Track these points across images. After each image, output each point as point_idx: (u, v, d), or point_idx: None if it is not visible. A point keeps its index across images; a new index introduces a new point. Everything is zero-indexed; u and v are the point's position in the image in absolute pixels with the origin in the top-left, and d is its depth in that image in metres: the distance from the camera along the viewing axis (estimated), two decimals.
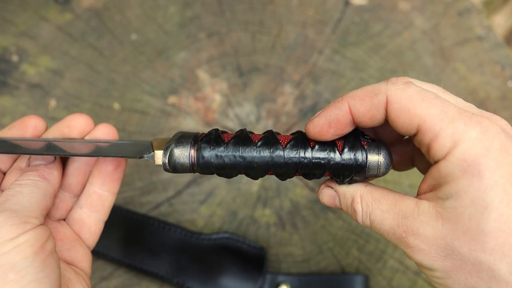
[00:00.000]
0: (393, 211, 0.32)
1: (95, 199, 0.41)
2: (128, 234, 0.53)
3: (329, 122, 0.35)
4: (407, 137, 0.40)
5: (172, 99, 0.63)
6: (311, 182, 0.59)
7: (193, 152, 0.36)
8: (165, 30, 0.68)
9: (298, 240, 0.56)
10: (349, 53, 0.68)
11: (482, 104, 0.65)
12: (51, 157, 0.38)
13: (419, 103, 0.31)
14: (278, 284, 0.52)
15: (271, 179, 0.59)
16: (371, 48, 0.69)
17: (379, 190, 0.34)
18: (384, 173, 0.36)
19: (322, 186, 0.38)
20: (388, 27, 0.70)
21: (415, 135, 0.32)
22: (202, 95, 0.63)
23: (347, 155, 0.35)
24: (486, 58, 0.69)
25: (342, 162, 0.35)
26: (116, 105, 0.62)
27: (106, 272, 0.53)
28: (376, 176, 0.35)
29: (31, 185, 0.35)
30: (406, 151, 0.40)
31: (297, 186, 0.59)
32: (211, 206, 0.57)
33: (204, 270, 0.52)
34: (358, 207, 0.34)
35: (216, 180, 0.58)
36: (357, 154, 0.34)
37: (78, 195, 0.42)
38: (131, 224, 0.54)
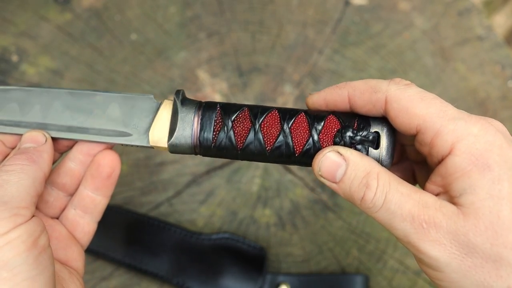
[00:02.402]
0: (413, 197, 0.30)
1: (88, 202, 0.40)
2: (128, 234, 0.53)
3: (326, 103, 0.36)
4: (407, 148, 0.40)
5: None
6: (311, 182, 0.59)
7: (197, 149, 0.36)
8: (165, 30, 0.67)
9: (298, 240, 0.56)
10: (349, 53, 0.68)
11: (482, 104, 0.65)
12: (42, 139, 0.37)
13: (418, 103, 0.31)
14: (278, 284, 0.52)
15: (271, 179, 0.59)
16: (371, 48, 0.69)
17: (395, 175, 0.32)
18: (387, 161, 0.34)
19: (328, 149, 0.33)
20: (388, 27, 0.70)
21: (415, 135, 0.32)
22: (202, 95, 0.63)
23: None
24: (486, 58, 0.69)
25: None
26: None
27: (106, 272, 0.53)
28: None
29: (18, 171, 0.33)
30: (406, 168, 0.40)
31: (297, 186, 0.59)
32: (211, 206, 0.57)
33: (204, 270, 0.52)
34: (373, 182, 0.31)
35: (216, 180, 0.58)
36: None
37: (72, 194, 0.41)
38: (131, 224, 0.54)
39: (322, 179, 0.33)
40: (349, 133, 0.34)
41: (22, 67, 0.63)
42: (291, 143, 0.35)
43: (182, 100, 0.37)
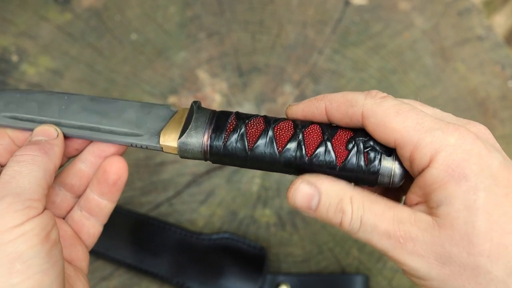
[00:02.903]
0: (387, 215, 0.31)
1: (93, 206, 0.40)
2: (128, 234, 0.53)
3: (304, 116, 0.36)
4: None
5: (172, 99, 0.63)
6: None
7: (206, 149, 0.36)
8: (165, 30, 0.68)
9: (298, 240, 0.56)
10: (349, 53, 0.68)
11: (482, 104, 0.65)
12: (53, 133, 0.37)
13: (394, 117, 0.31)
14: (278, 284, 0.52)
15: (271, 179, 0.59)
16: (371, 48, 0.69)
17: (369, 194, 0.32)
18: (398, 184, 0.34)
19: (299, 182, 0.34)
20: (388, 27, 0.70)
21: (396, 149, 0.32)
22: (202, 95, 0.63)
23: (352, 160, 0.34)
24: (486, 58, 0.69)
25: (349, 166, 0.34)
26: None
27: (106, 272, 0.53)
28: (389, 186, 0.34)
29: (30, 162, 0.33)
30: (393, 195, 0.41)
31: None
32: (211, 206, 0.57)
33: (204, 270, 0.52)
34: (348, 208, 0.31)
35: (216, 180, 0.58)
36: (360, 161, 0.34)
37: (79, 196, 0.41)
38: (131, 224, 0.54)
39: (294, 206, 0.34)
40: (362, 139, 0.34)
41: (22, 67, 0.63)
42: (303, 145, 0.34)
43: (199, 106, 0.38)
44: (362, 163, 0.33)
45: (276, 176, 0.59)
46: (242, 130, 0.35)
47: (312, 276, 0.53)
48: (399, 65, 0.68)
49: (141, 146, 0.38)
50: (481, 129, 0.32)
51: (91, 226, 0.40)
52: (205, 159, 0.37)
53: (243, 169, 0.59)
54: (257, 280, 0.51)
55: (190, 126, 0.36)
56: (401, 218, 0.31)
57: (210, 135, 0.36)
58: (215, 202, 0.57)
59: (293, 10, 0.71)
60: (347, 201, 0.32)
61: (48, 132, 0.37)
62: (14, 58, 0.64)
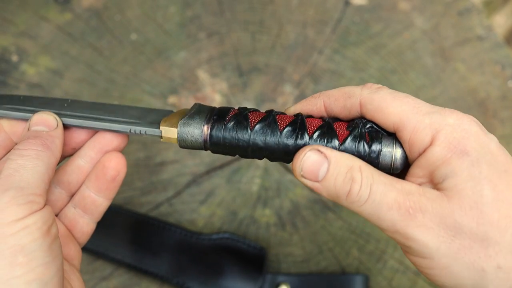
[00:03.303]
0: (396, 186, 0.31)
1: (89, 203, 0.39)
2: (128, 234, 0.53)
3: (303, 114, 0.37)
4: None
5: (172, 99, 0.63)
6: None
7: (206, 133, 0.35)
8: (165, 30, 0.67)
9: (298, 240, 0.56)
10: (349, 53, 0.68)
11: (482, 104, 0.65)
12: (53, 122, 0.36)
13: (391, 102, 0.32)
14: (278, 284, 0.52)
15: (271, 179, 0.59)
16: (371, 48, 0.69)
17: (375, 168, 0.33)
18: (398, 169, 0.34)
19: (307, 149, 0.33)
20: (388, 27, 0.70)
21: (395, 133, 0.33)
22: (202, 95, 0.63)
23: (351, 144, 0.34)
24: (486, 58, 0.69)
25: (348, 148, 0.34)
26: None
27: (106, 272, 0.53)
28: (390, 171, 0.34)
29: (34, 157, 0.33)
30: None
31: (297, 186, 0.59)
32: (211, 206, 0.57)
33: (204, 270, 0.52)
34: (358, 175, 0.31)
35: (216, 180, 0.58)
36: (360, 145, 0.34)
37: (73, 193, 0.40)
38: (131, 224, 0.54)
39: (303, 180, 0.33)
40: (362, 121, 0.34)
41: (22, 67, 0.63)
42: (304, 125, 0.34)
43: (201, 105, 0.38)
44: (363, 143, 0.33)
45: (276, 176, 0.59)
46: (245, 113, 0.36)
47: (312, 276, 0.53)
48: (399, 65, 0.68)
49: (140, 132, 0.37)
50: (472, 117, 0.33)
51: (84, 224, 0.40)
52: (205, 148, 0.36)
53: (243, 169, 0.59)
54: (257, 280, 0.51)
55: (190, 114, 0.36)
56: (410, 190, 0.31)
57: (211, 123, 0.35)
58: (215, 202, 0.57)
59: (293, 10, 0.71)
60: (356, 169, 0.31)
61: (47, 121, 0.36)
62: (14, 58, 0.64)
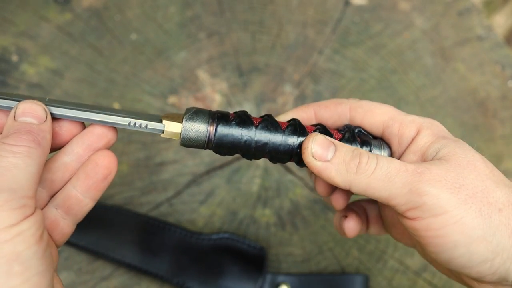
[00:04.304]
0: (397, 160, 0.35)
1: (73, 204, 0.36)
2: (128, 234, 0.53)
3: None
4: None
5: (172, 99, 0.63)
6: (311, 182, 0.59)
7: (212, 129, 0.35)
8: (165, 30, 0.67)
9: (298, 240, 0.56)
10: (349, 53, 0.68)
11: (482, 104, 0.65)
12: (42, 114, 0.33)
13: (378, 106, 0.39)
14: (278, 284, 0.52)
15: (271, 179, 0.59)
16: (371, 48, 0.69)
17: None
18: None
19: (314, 134, 0.36)
20: (388, 27, 0.70)
21: (382, 132, 0.38)
22: (202, 95, 0.63)
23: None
24: (486, 58, 0.69)
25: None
26: (116, 105, 0.62)
27: (106, 272, 0.53)
28: None
29: (26, 155, 0.31)
30: (375, 212, 0.44)
31: (297, 186, 0.59)
32: (211, 206, 0.57)
33: (204, 270, 0.52)
34: (363, 152, 0.35)
35: (216, 180, 0.58)
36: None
37: (54, 193, 0.37)
38: (131, 224, 0.54)
39: (313, 162, 0.35)
40: (351, 126, 0.39)
41: (22, 67, 0.63)
42: (302, 125, 0.37)
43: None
44: (356, 143, 0.37)
45: (276, 176, 0.59)
46: (246, 115, 0.37)
47: (312, 276, 0.53)
48: (399, 65, 0.68)
49: (140, 125, 0.35)
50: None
51: (65, 226, 0.37)
52: (207, 144, 0.36)
53: (243, 169, 0.59)
54: (257, 280, 0.51)
55: (192, 113, 0.36)
56: (412, 160, 0.36)
57: (216, 120, 0.35)
58: (215, 202, 0.57)
59: (293, 10, 0.71)
60: (361, 150, 0.35)
61: (36, 112, 0.33)
62: (14, 58, 0.64)
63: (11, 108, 0.34)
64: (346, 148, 0.35)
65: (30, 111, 0.33)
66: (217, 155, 0.59)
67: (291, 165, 0.60)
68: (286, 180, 0.59)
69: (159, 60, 0.65)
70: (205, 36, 0.68)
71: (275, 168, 0.60)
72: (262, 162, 0.60)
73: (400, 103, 0.65)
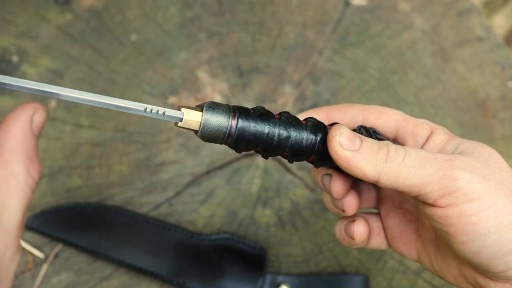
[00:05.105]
0: (425, 150, 0.35)
1: None
2: (128, 234, 0.53)
3: None
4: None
5: (172, 100, 0.63)
6: (311, 182, 0.59)
7: (233, 121, 0.33)
8: (165, 30, 0.68)
9: (298, 240, 0.56)
10: (349, 54, 0.68)
11: (482, 104, 0.65)
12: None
13: (390, 109, 0.40)
14: (278, 284, 0.52)
15: (271, 179, 0.59)
16: (371, 48, 0.69)
17: None
18: None
19: (339, 125, 0.35)
20: (388, 27, 0.70)
21: (396, 132, 0.39)
22: (202, 95, 0.64)
23: None
24: (486, 59, 0.69)
25: None
26: None
27: (106, 272, 0.53)
28: None
29: (18, 184, 0.32)
30: (377, 223, 0.44)
31: (297, 186, 0.59)
32: (211, 206, 0.57)
33: (204, 271, 0.52)
34: (390, 143, 0.35)
35: (216, 180, 0.58)
36: None
37: None
38: (131, 224, 0.54)
39: (339, 149, 0.34)
40: (364, 126, 0.39)
41: (23, 67, 0.63)
42: (323, 123, 0.37)
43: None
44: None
45: (276, 176, 0.59)
46: (265, 108, 0.35)
47: (312, 276, 0.54)
48: (399, 66, 0.68)
49: (158, 112, 0.32)
50: None
51: None
52: (227, 137, 0.33)
53: (243, 169, 0.59)
54: (257, 280, 0.51)
55: (211, 103, 0.33)
56: (440, 150, 0.37)
57: (236, 111, 0.33)
58: (215, 202, 0.57)
59: (293, 10, 0.71)
60: (387, 141, 0.35)
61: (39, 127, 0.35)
62: (15, 58, 0.64)
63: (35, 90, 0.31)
64: (371, 140, 0.35)
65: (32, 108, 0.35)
66: (217, 156, 0.59)
67: (291, 165, 0.60)
68: (286, 180, 0.59)
69: (159, 61, 0.65)
70: (205, 36, 0.68)
71: (275, 168, 0.60)
72: (262, 162, 0.60)
73: (400, 104, 0.65)
